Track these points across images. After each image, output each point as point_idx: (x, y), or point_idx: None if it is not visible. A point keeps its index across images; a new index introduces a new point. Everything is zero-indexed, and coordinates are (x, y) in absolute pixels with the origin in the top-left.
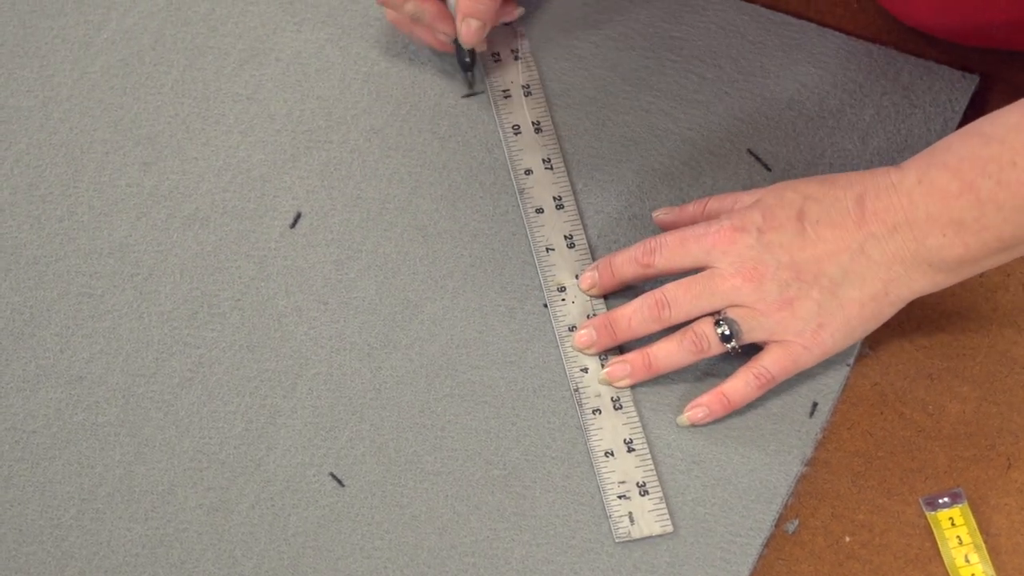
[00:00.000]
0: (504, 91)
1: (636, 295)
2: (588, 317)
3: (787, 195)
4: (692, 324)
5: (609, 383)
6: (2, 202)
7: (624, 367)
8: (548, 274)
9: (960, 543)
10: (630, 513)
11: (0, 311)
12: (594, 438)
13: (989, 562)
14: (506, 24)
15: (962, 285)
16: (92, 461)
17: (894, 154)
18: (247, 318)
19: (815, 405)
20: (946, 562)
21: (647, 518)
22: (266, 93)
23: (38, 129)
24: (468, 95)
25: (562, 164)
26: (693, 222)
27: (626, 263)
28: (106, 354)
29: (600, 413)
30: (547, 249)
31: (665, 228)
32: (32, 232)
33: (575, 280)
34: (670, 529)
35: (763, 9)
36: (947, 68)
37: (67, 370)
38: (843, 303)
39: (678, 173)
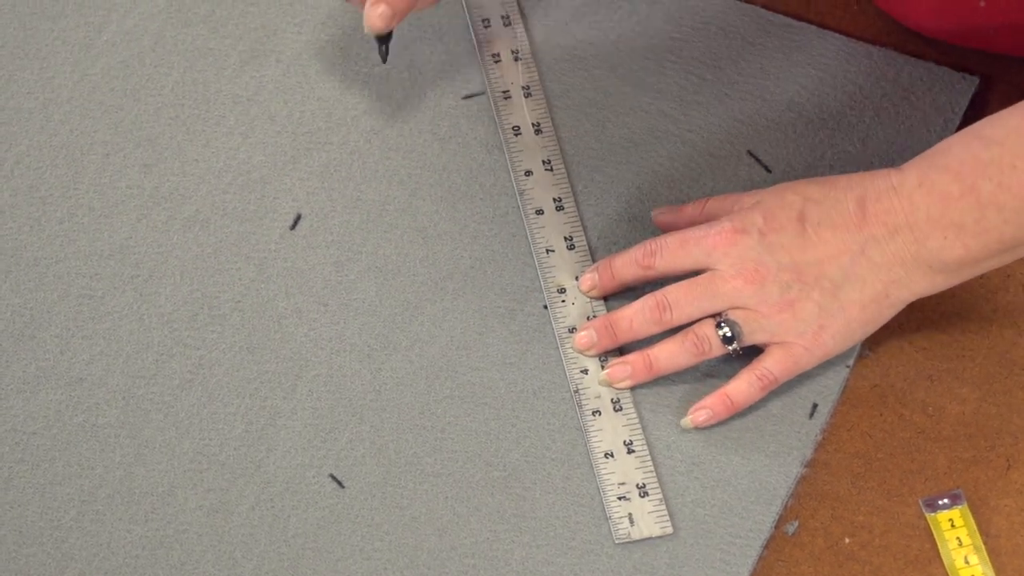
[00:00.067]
0: (504, 92)
1: (636, 296)
2: (588, 319)
3: (787, 197)
4: (693, 326)
5: (609, 384)
6: (2, 204)
7: (625, 368)
8: (548, 275)
9: (960, 544)
10: (630, 514)
11: (0, 313)
12: (594, 439)
13: (989, 563)
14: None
15: (962, 286)
16: (92, 462)
17: (894, 156)
18: (247, 320)
19: (815, 406)
20: (946, 563)
21: (647, 519)
22: (266, 95)
23: (38, 131)
24: (467, 96)
25: (562, 165)
26: (692, 222)
27: (626, 265)
28: (106, 356)
29: (600, 414)
30: (547, 251)
31: (663, 228)
32: (32, 234)
33: (575, 282)
34: (670, 530)
35: (763, 11)
36: (947, 70)
37: (67, 372)
38: (844, 305)
39: (678, 175)
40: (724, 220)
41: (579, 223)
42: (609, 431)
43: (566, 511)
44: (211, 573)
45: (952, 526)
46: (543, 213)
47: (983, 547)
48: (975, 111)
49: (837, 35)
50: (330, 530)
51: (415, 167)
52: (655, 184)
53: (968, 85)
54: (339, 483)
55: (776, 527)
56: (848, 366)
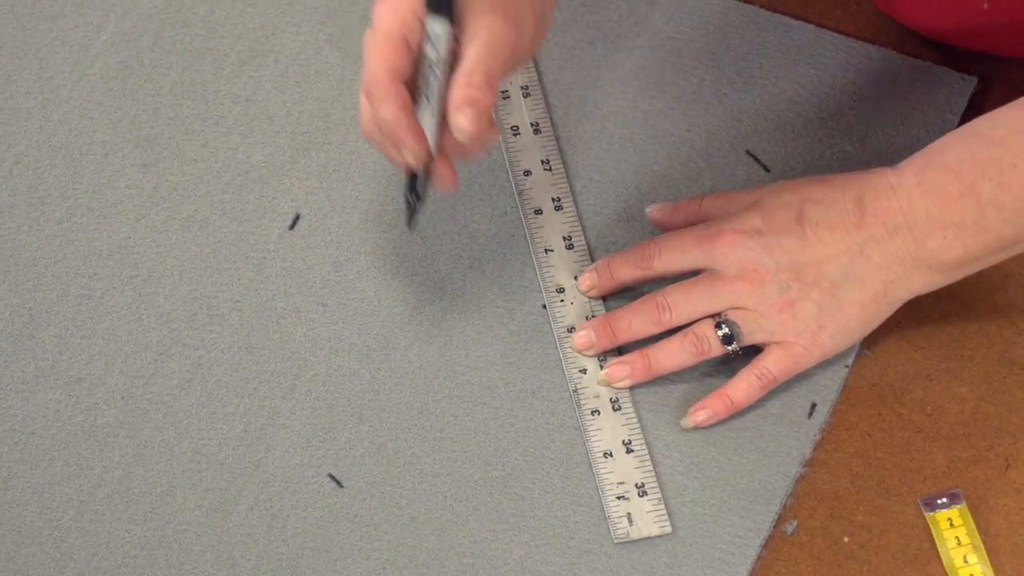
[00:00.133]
0: (502, 92)
1: (635, 296)
2: (587, 318)
3: (785, 197)
4: (693, 325)
5: (608, 384)
6: (1, 203)
7: (624, 368)
8: (547, 275)
9: (959, 544)
10: (629, 514)
11: None
12: (593, 439)
13: (988, 563)
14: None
15: (960, 285)
16: (91, 462)
17: (893, 155)
18: (246, 319)
19: (814, 406)
20: (944, 563)
21: (646, 519)
22: (265, 94)
23: (37, 131)
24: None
25: (561, 165)
26: (687, 220)
27: (625, 265)
28: (105, 355)
29: (599, 414)
30: (546, 250)
31: (658, 225)
32: (31, 234)
33: (574, 281)
34: (669, 530)
35: (762, 10)
36: (945, 69)
37: (66, 371)
38: (843, 304)
39: (677, 174)
40: (723, 221)
41: (578, 223)
42: (608, 431)
43: (565, 510)
44: (210, 573)
45: (951, 525)
46: (542, 213)
47: (982, 546)
48: (974, 111)
49: (836, 34)
50: (329, 530)
51: None
52: (654, 184)
53: (967, 85)
54: (338, 483)
55: (775, 526)
56: (847, 366)
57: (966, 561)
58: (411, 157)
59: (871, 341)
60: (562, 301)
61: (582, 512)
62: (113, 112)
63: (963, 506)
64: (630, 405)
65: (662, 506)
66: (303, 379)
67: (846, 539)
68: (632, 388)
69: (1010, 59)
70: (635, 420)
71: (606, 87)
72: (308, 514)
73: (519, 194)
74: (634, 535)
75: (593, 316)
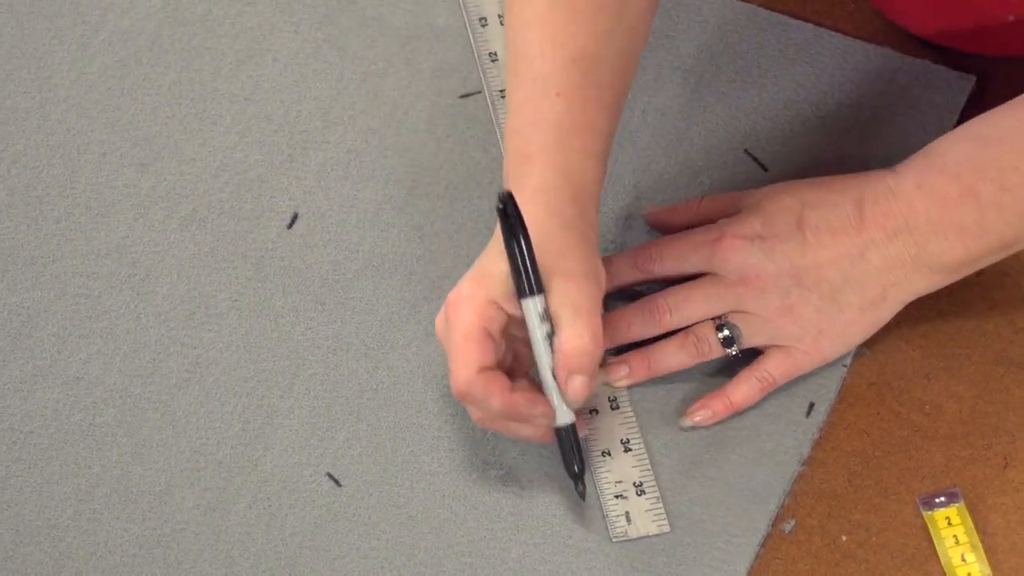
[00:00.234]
0: (501, 91)
1: (635, 296)
2: None
3: (785, 200)
4: (693, 327)
5: (607, 383)
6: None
7: (623, 367)
8: None
9: (956, 542)
10: (627, 513)
11: None
12: (591, 438)
13: (986, 561)
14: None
15: (958, 284)
16: (89, 461)
17: (891, 154)
18: (244, 318)
19: (812, 405)
20: (942, 561)
21: (644, 518)
22: (263, 94)
23: (35, 130)
24: (465, 95)
25: None
26: (685, 222)
27: (624, 267)
28: (103, 355)
29: (597, 413)
30: None
31: (656, 227)
32: (29, 233)
33: None
34: (667, 529)
35: (760, 9)
36: (944, 69)
37: (64, 371)
38: (843, 309)
39: (675, 173)
40: (723, 225)
41: None
42: (606, 429)
43: (563, 509)
44: (208, 572)
45: (949, 524)
46: None
47: (980, 545)
48: (972, 110)
49: (834, 33)
50: (327, 528)
51: (412, 166)
52: (652, 182)
53: (965, 84)
54: (336, 481)
55: (773, 525)
56: (845, 365)
57: (964, 560)
58: (544, 422)
59: (869, 340)
60: None
61: (580, 511)
62: (111, 111)
63: (961, 505)
64: (628, 404)
65: (660, 505)
66: (301, 378)
67: (844, 538)
68: (630, 387)
69: (1008, 59)
70: (633, 419)
71: None
72: (306, 513)
73: None
74: (632, 534)
75: None
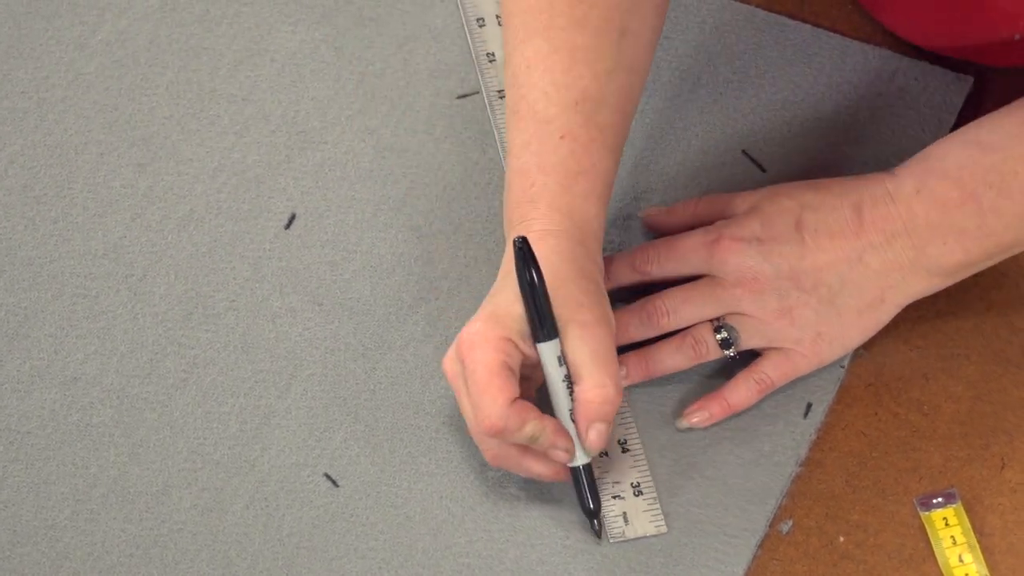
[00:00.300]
0: (499, 91)
1: (633, 297)
2: None
3: (783, 203)
4: (691, 329)
5: None
6: None
7: (621, 369)
8: None
9: (954, 543)
10: (624, 513)
11: None
12: None
13: (983, 562)
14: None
15: (956, 285)
16: (87, 461)
17: (889, 155)
18: (242, 319)
19: (809, 406)
20: (940, 562)
21: (641, 518)
22: (261, 94)
23: (33, 130)
24: (462, 96)
25: None
26: (683, 224)
27: (622, 268)
28: (100, 355)
29: None
30: None
31: (653, 228)
32: (27, 233)
33: None
34: (664, 529)
35: (758, 10)
36: (941, 69)
37: (62, 371)
38: (841, 311)
39: (673, 174)
40: (721, 227)
41: None
42: None
43: (561, 510)
44: (205, 572)
45: (946, 525)
46: None
47: (977, 545)
48: (969, 111)
49: (832, 34)
50: (325, 529)
51: (410, 166)
52: (650, 183)
53: (962, 85)
54: (334, 482)
55: (770, 526)
56: (842, 366)
57: (961, 560)
58: (564, 456)
59: (867, 341)
60: None
61: (578, 511)
62: (109, 111)
63: (958, 505)
64: (626, 405)
65: (657, 505)
66: (299, 378)
67: (841, 539)
68: (628, 388)
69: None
70: (631, 420)
71: None
72: (304, 513)
73: None
74: (629, 534)
75: None
